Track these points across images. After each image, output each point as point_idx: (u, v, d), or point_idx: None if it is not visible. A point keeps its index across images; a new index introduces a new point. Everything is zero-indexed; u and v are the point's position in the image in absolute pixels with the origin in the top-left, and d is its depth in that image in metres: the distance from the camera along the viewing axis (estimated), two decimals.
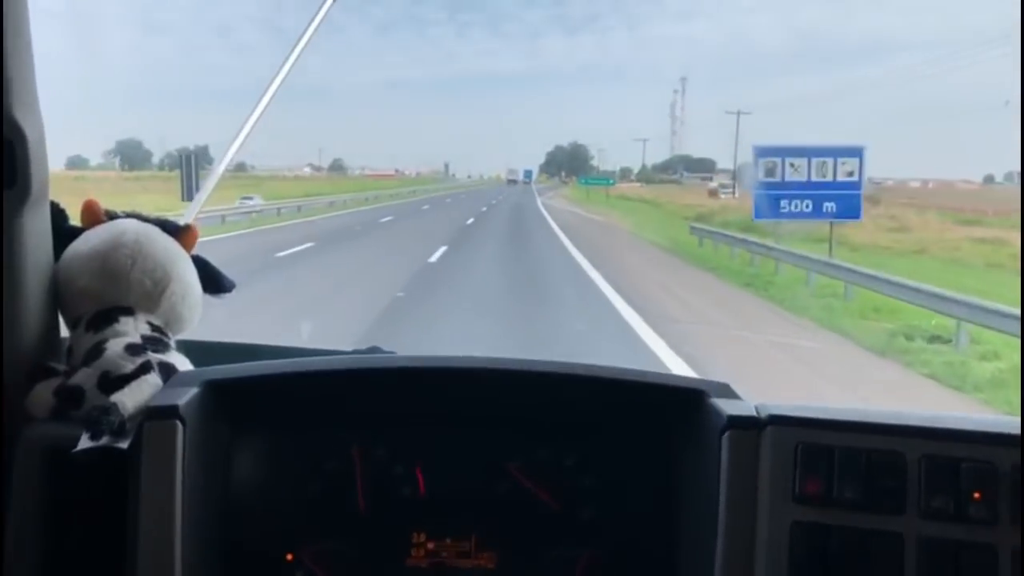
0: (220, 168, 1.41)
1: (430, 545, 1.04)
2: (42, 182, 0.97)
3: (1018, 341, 7.10)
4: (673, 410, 1.04)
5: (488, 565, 1.04)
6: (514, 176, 78.93)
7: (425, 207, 33.52)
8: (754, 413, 0.96)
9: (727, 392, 1.01)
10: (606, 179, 49.14)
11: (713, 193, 34.34)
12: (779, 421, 0.94)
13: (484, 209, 31.16)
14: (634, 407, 1.06)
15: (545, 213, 29.25)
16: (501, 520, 1.04)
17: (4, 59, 0.91)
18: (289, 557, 1.02)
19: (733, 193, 31.29)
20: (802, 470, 0.91)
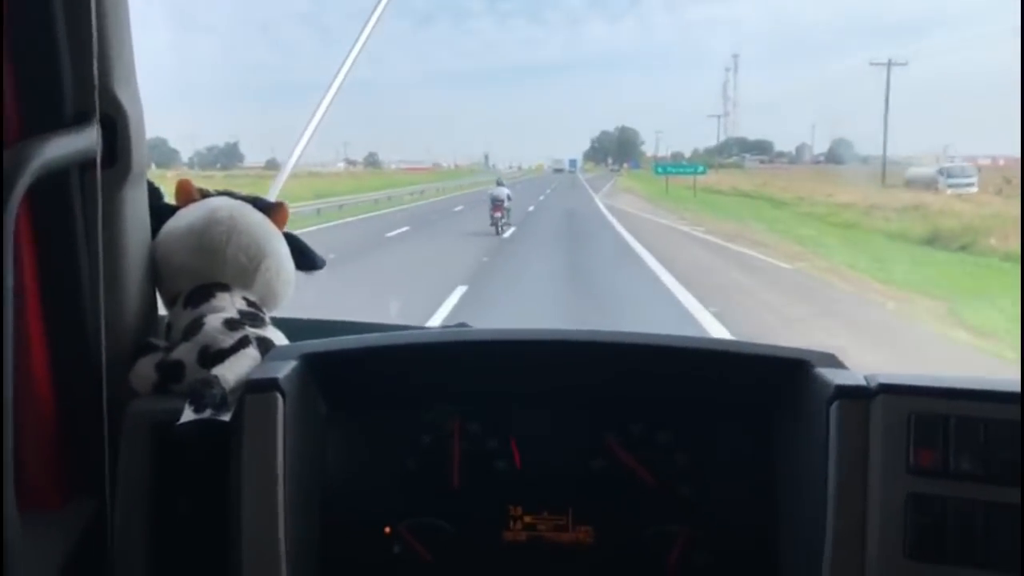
0: (294, 156, 1.49)
1: (527, 519, 1.08)
2: (141, 161, 1.05)
3: None
4: (775, 381, 1.06)
5: (585, 539, 1.08)
6: (560, 166, 79.02)
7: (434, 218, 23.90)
8: (863, 382, 0.97)
9: (832, 361, 1.03)
10: (693, 166, 40.73)
11: (931, 185, 24.64)
12: (890, 390, 0.95)
13: (529, 211, 24.71)
14: (734, 379, 1.08)
15: (623, 231, 18.64)
16: (597, 495, 1.08)
17: (105, 38, 0.98)
18: (387, 530, 1.08)
19: (969, 187, 23.44)
20: (916, 440, 0.92)
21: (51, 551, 0.99)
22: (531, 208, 27.47)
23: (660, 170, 40.18)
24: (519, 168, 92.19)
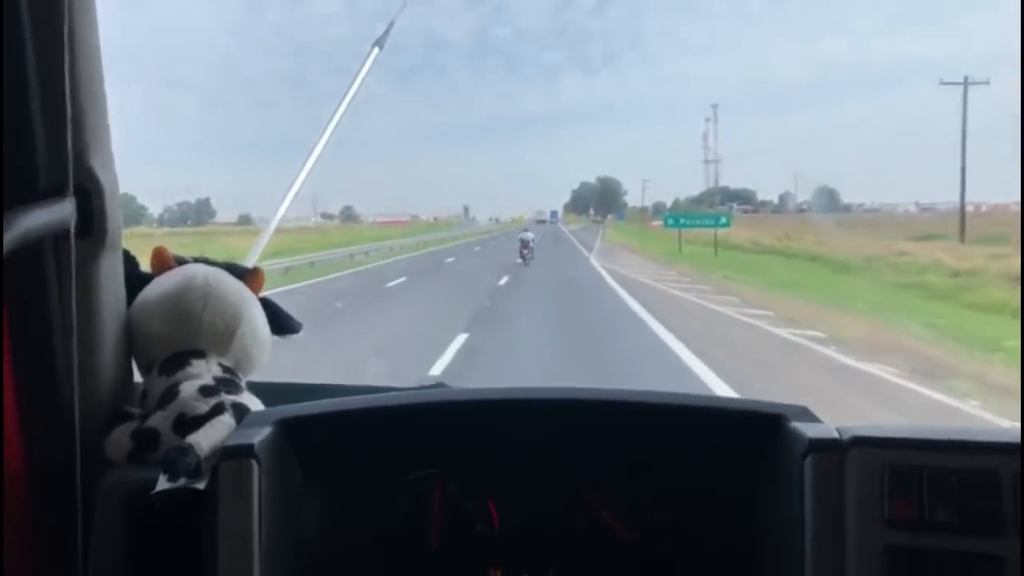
0: (278, 216, 1.54)
1: None
2: (116, 231, 1.09)
3: None
4: (752, 436, 1.10)
5: None
6: (542, 217, 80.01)
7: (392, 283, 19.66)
8: (836, 435, 1.01)
9: (806, 415, 1.07)
10: (714, 217, 32.64)
11: None
12: (863, 443, 0.99)
13: (500, 285, 18.18)
14: (710, 434, 1.12)
15: (660, 329, 11.33)
16: (578, 553, 1.11)
17: (80, 110, 1.03)
18: None
19: None
20: (891, 493, 0.96)
21: None
22: (503, 280, 18.96)
23: (672, 222, 31.81)
24: (496, 221, 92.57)
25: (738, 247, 28.36)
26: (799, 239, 27.71)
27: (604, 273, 21.63)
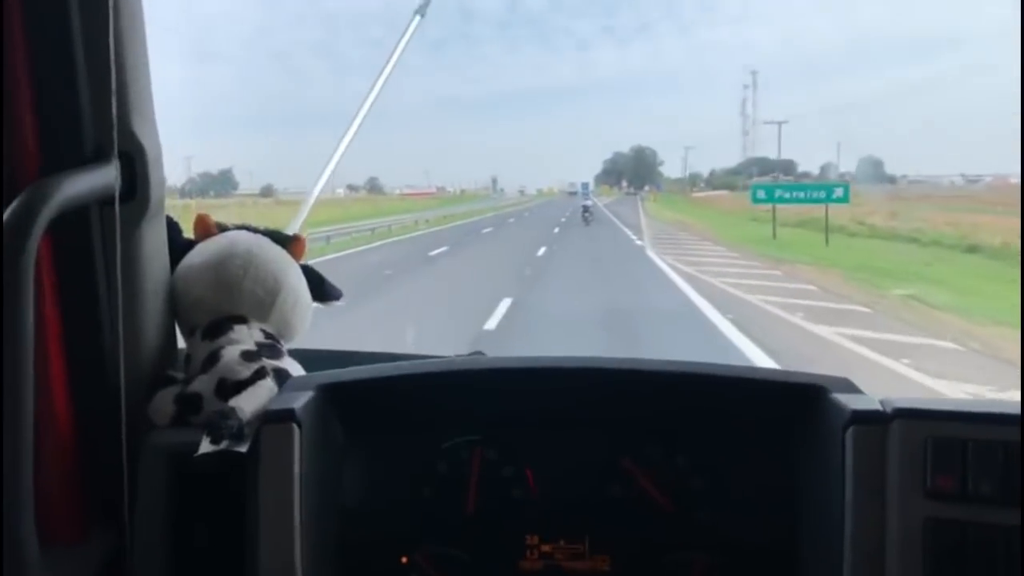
0: (318, 186, 1.59)
1: (544, 547, 1.15)
2: (159, 195, 1.13)
3: None
4: (792, 407, 1.12)
5: (603, 567, 1.14)
6: (574, 189, 79.87)
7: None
8: (879, 407, 1.03)
9: (848, 387, 1.09)
10: (826, 187, 22.07)
11: None
12: (906, 415, 1.01)
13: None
14: (749, 405, 1.15)
15: None
16: (614, 522, 1.15)
17: (124, 75, 1.07)
18: (404, 560, 1.15)
19: None
20: (934, 465, 0.98)
21: None
22: (503, 308, 11.12)
23: (764, 194, 23.13)
24: (521, 193, 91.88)
25: (841, 228, 21.27)
26: (906, 217, 22.65)
27: (681, 283, 13.91)
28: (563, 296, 13.15)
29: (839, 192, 21.43)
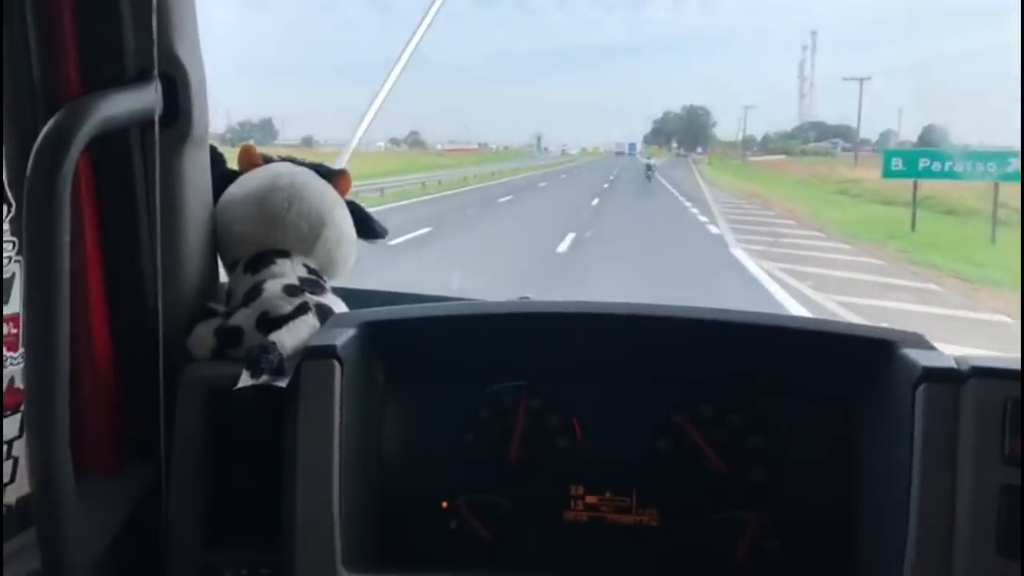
0: (357, 134, 1.57)
1: (589, 499, 1.13)
2: (202, 122, 1.12)
3: None
4: (858, 362, 1.08)
5: (650, 523, 1.12)
6: (620, 149, 79.43)
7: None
8: (953, 365, 0.98)
9: (920, 342, 1.04)
10: (997, 157, 14.70)
11: None
12: (983, 373, 0.96)
13: None
14: (813, 359, 1.11)
15: None
16: (663, 477, 1.12)
17: None
18: (444, 505, 1.14)
19: None
20: (1012, 428, 0.93)
21: (107, 515, 1.07)
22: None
23: (906, 164, 16.74)
24: (563, 152, 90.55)
25: (972, 212, 16.29)
26: None
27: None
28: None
29: (1015, 165, 14.43)
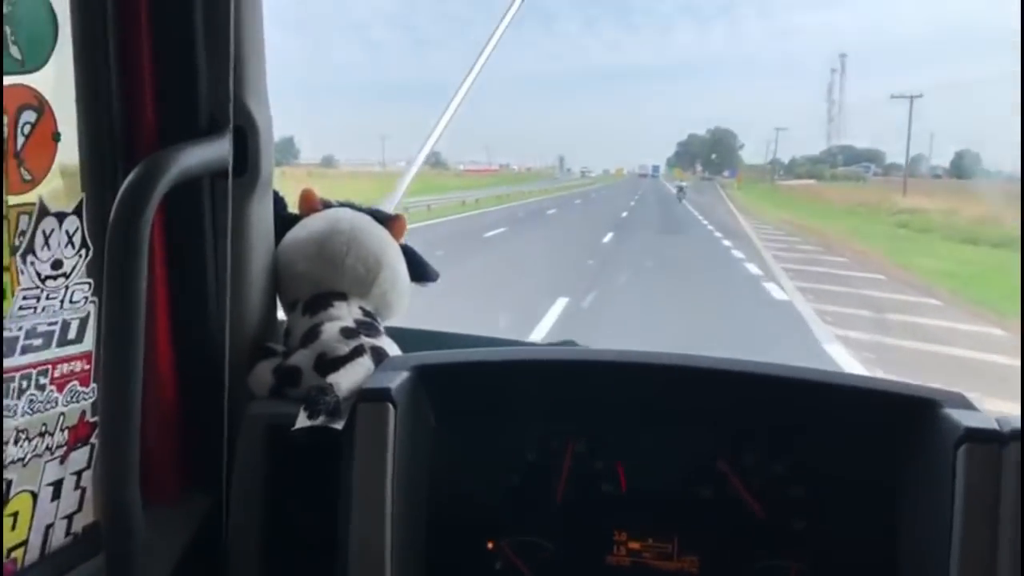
0: (419, 160, 1.64)
1: (631, 544, 1.18)
2: (269, 171, 1.19)
3: None
4: (901, 420, 1.11)
5: (691, 569, 1.16)
6: (644, 171, 79.68)
7: None
8: (995, 426, 1.01)
9: (962, 402, 1.08)
10: None
11: None
12: None
13: None
14: (857, 414, 1.15)
15: None
16: (704, 523, 1.17)
17: (241, 51, 1.12)
18: (490, 545, 1.19)
19: None
20: None
21: (171, 543, 1.13)
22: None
23: None
24: (582, 174, 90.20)
25: None
26: None
27: None
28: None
29: None
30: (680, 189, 41.03)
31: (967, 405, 1.07)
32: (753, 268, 13.91)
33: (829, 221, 22.95)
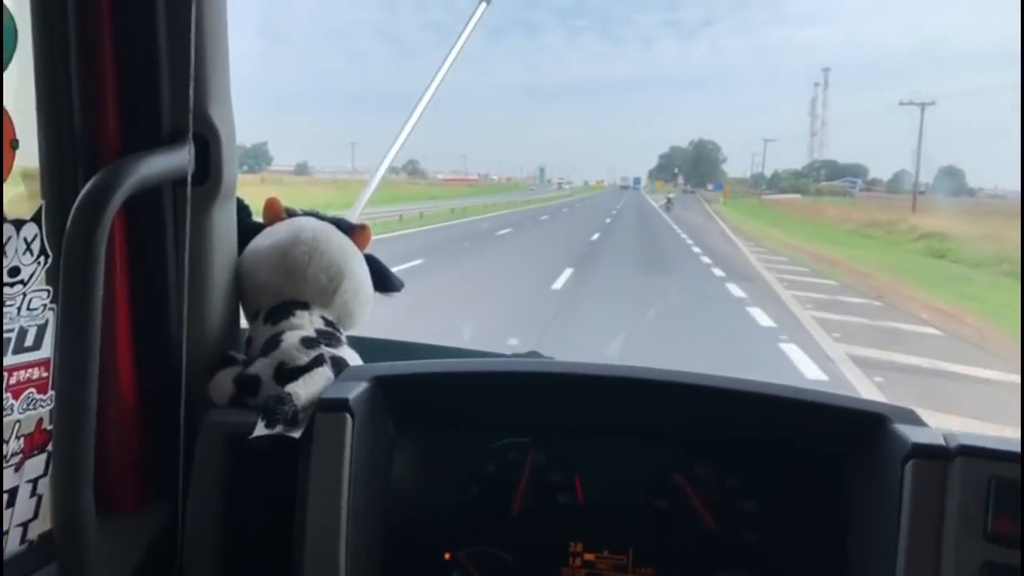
0: (381, 170, 1.67)
1: (587, 556, 1.20)
2: (231, 179, 1.21)
3: None
4: (851, 434, 1.15)
5: None
6: (626, 183, 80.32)
7: None
8: (942, 442, 1.05)
9: (911, 418, 1.11)
10: None
11: None
12: (970, 452, 1.02)
13: None
14: (808, 429, 1.18)
15: None
16: (660, 536, 1.20)
17: (203, 59, 1.15)
18: (447, 556, 1.22)
19: None
20: (996, 507, 0.99)
21: (127, 551, 1.15)
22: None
23: None
24: (559, 186, 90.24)
25: None
26: None
27: None
28: None
29: None
30: (668, 201, 44.32)
31: (917, 421, 1.11)
32: (805, 361, 8.57)
33: (847, 249, 19.99)
